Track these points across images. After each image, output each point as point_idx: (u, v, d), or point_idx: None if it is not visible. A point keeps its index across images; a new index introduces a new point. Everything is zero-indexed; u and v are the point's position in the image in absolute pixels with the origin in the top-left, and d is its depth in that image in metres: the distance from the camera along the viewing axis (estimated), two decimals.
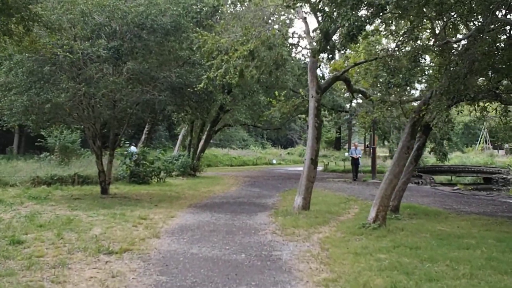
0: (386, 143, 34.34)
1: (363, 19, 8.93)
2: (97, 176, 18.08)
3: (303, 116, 33.50)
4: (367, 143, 54.32)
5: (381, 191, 11.57)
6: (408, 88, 15.38)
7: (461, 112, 15.29)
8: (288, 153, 61.60)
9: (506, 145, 63.56)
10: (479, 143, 61.15)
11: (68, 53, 14.43)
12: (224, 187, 23.03)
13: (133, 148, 32.30)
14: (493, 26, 9.75)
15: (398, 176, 11.76)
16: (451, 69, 10.15)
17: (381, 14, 9.34)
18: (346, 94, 38.66)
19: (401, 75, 12.33)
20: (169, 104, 17.14)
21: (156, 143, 48.84)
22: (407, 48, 12.52)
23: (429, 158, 39.73)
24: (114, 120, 17.45)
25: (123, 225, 11.50)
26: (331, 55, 11.79)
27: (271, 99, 25.21)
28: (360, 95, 23.60)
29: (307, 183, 14.15)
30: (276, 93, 24.36)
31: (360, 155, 28.29)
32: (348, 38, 9.22)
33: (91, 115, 16.29)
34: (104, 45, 14.93)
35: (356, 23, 8.82)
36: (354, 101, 40.05)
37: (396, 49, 12.42)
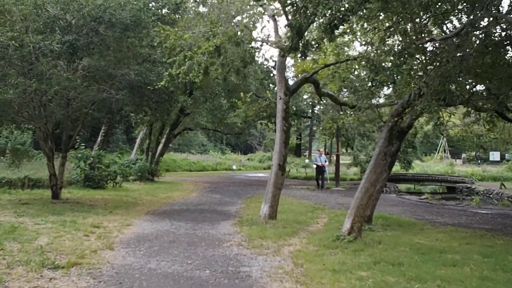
0: (349, 150, 33.82)
1: (346, 8, 8.13)
2: (49, 179, 16.91)
3: (264, 121, 32.84)
4: (326, 150, 53.89)
5: (356, 201, 10.77)
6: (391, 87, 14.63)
7: (453, 115, 14.56)
8: (248, 159, 60.74)
9: (464, 155, 64.07)
10: (438, 152, 61.31)
11: (18, 46, 13.33)
12: (184, 193, 22.03)
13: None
14: (486, 20, 9.09)
15: (374, 184, 10.97)
16: (442, 67, 9.40)
17: (365, 3, 8.50)
18: (308, 99, 38.15)
19: (388, 72, 11.66)
20: (127, 104, 16.05)
21: (113, 146, 47.45)
22: (391, 43, 11.89)
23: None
24: (67, 120, 16.32)
25: (73, 234, 10.44)
26: (303, 53, 10.94)
27: (236, 101, 24.39)
28: (325, 100, 22.86)
29: (274, 191, 13.30)
30: (242, 94, 23.54)
31: (326, 162, 27.03)
32: (329, 29, 8.38)
33: (43, 114, 15.13)
34: (58, 39, 13.85)
35: (338, 13, 8.01)
36: (318, 106, 39.63)
37: (381, 44, 11.63)
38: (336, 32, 9.56)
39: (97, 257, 8.58)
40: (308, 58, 16.10)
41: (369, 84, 14.07)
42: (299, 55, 11.24)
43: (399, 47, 11.17)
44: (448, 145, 61.45)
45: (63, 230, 10.75)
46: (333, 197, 21.63)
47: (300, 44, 10.33)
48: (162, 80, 13.50)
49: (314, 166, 27.00)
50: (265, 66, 35.51)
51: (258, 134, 70.37)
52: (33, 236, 9.91)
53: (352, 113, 25.27)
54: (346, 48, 16.93)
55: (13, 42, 13.36)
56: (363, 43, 15.66)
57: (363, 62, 13.66)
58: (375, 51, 13.45)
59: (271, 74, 40.68)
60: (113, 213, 14.25)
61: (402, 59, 10.65)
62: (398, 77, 11.86)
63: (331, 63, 15.53)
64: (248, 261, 8.75)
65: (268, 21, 15.02)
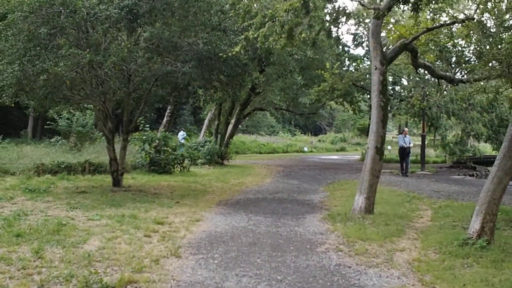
0: (435, 130, 30.90)
1: None
2: (109, 164, 15.19)
3: (339, 100, 30.47)
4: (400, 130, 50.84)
5: (487, 194, 8.25)
6: None
7: None
8: (319, 141, 58.43)
9: None
10: None
11: (70, 12, 11.52)
12: (257, 178, 19.99)
13: (181, 134, 29.71)
14: None
15: (509, 173, 8.47)
16: None
17: None
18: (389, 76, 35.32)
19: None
20: (194, 78, 13.91)
21: (180, 128, 46.10)
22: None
23: (484, 148, 36.01)
24: (128, 98, 14.47)
25: (131, 234, 8.49)
26: (415, 6, 8.57)
27: (322, 72, 22.15)
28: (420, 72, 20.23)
29: (371, 179, 10.97)
30: (327, 64, 21.28)
31: (411, 144, 23.85)
32: None
33: (100, 91, 13.30)
34: (116, 4, 11.98)
35: None
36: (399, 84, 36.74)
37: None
38: None
39: (159, 269, 6.56)
40: (402, 22, 13.70)
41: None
42: (410, 8, 8.89)
43: None
44: None
45: (119, 229, 8.83)
46: (424, 183, 19.09)
47: None
48: (235, 48, 11.36)
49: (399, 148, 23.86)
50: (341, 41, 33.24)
51: (327, 114, 67.69)
52: (82, 237, 8.00)
53: (446, 88, 22.74)
54: (447, 11, 14.32)
55: (65, 7, 11.57)
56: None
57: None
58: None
59: (346, 49, 38.40)
60: (180, 203, 12.37)
61: None
62: None
63: (435, 26, 12.96)
64: (357, 277, 6.54)
65: None
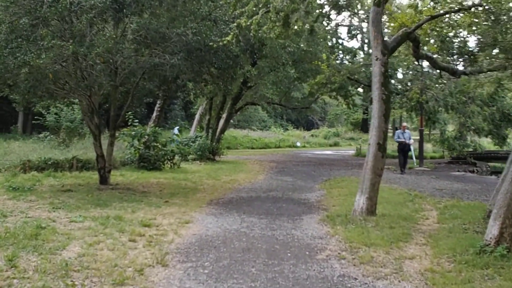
0: (432, 124, 30.29)
1: None
2: (96, 161, 14.53)
3: (333, 94, 29.90)
4: (396, 125, 50.27)
5: (505, 196, 7.54)
6: None
7: None
8: (312, 135, 57.79)
9: None
10: None
11: (53, 2, 10.85)
12: (250, 175, 19.36)
13: (175, 131, 29.09)
14: None
15: None
16: None
17: None
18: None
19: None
20: (184, 71, 13.28)
21: (171, 124, 45.37)
22: None
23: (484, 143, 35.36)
24: (115, 92, 13.80)
25: (115, 238, 7.83)
26: None
27: (318, 63, 21.54)
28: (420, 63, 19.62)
29: (373, 178, 10.33)
30: (324, 55, 20.67)
31: (411, 140, 22.57)
32: None
33: (84, 84, 12.62)
34: None
35: None
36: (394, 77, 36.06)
37: None
38: None
39: (143, 281, 5.93)
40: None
41: None
42: None
43: None
44: None
45: (103, 232, 8.17)
46: (424, 179, 18.52)
47: None
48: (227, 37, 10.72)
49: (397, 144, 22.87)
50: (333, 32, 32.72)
51: (319, 109, 67.05)
52: (61, 243, 7.33)
53: (445, 81, 22.14)
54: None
55: None
56: None
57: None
58: None
59: (340, 41, 37.81)
60: (169, 203, 11.75)
61: None
62: None
63: (440, 14, 12.32)
64: None
65: None
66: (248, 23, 9.80)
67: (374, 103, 10.85)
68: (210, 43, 12.28)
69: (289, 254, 7.46)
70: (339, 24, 14.16)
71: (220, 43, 11.18)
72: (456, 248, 7.64)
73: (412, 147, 22.70)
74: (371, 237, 8.34)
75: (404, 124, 23.26)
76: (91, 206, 10.56)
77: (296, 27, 10.68)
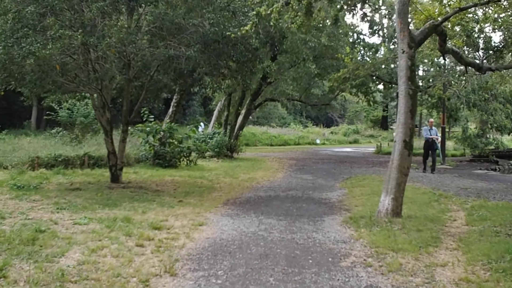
0: (454, 122, 29.30)
1: None
2: (107, 158, 13.95)
3: (353, 91, 29.17)
4: (416, 123, 49.32)
5: None
6: None
7: None
8: (332, 132, 57.15)
9: None
10: None
11: None
12: (268, 172, 18.68)
13: (201, 126, 28.69)
14: None
15: None
16: None
17: None
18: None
19: None
20: (200, 64, 12.58)
21: (190, 120, 44.83)
22: None
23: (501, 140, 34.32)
24: (128, 86, 13.19)
25: (120, 243, 7.16)
26: None
27: (341, 56, 20.84)
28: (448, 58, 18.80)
29: (399, 177, 9.58)
30: (348, 49, 19.96)
31: (439, 138, 21.34)
32: None
33: (94, 77, 12.00)
34: None
35: None
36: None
37: None
38: None
39: None
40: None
41: None
42: None
43: None
44: None
45: (108, 236, 7.51)
46: (447, 178, 17.69)
47: None
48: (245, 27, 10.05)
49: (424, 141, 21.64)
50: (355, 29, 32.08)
51: (339, 106, 66.24)
52: (60, 248, 6.69)
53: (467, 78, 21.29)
54: None
55: None
56: None
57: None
58: None
59: (362, 37, 37.14)
60: (183, 202, 11.13)
61: None
62: None
63: (469, 6, 11.53)
64: None
65: None
66: (268, 12, 9.10)
67: (400, 98, 10.10)
68: (228, 33, 11.60)
69: (310, 261, 6.75)
70: (365, 14, 13.34)
71: (239, 33, 10.49)
72: (491, 254, 6.87)
73: (439, 145, 21.52)
74: (398, 241, 7.58)
75: (431, 120, 22.11)
76: (98, 207, 9.96)
77: (319, 17, 9.93)
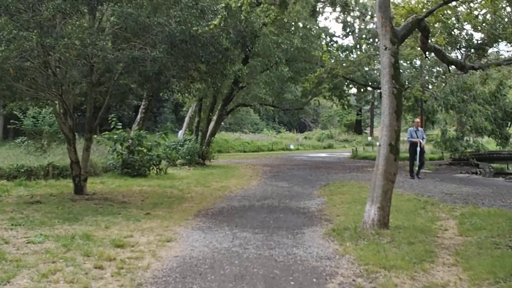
0: (431, 125, 28.90)
1: None
2: (70, 168, 13.07)
3: (327, 94, 28.69)
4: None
5: None
6: None
7: None
8: (305, 138, 56.75)
9: None
10: None
11: None
12: (242, 180, 17.92)
13: (180, 133, 27.87)
14: None
15: None
16: None
17: None
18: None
19: None
20: (167, 66, 11.78)
21: (161, 127, 43.94)
22: None
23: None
24: (91, 91, 12.34)
25: (77, 265, 6.30)
26: None
27: (320, 54, 20.28)
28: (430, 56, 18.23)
29: (385, 184, 8.88)
30: (325, 46, 19.40)
31: (424, 139, 20.14)
32: None
33: (52, 81, 11.12)
34: None
35: None
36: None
37: None
38: None
39: None
40: None
41: None
42: None
43: None
44: None
45: (63, 257, 6.66)
46: (429, 183, 17.09)
47: None
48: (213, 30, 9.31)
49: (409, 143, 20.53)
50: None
51: (312, 110, 65.85)
52: (6, 273, 5.82)
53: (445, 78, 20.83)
54: None
55: None
56: None
57: None
58: None
59: (335, 39, 36.81)
60: (151, 215, 10.32)
61: None
62: None
63: None
64: None
65: None
66: (239, 4, 8.37)
67: (383, 98, 9.40)
68: (195, 28, 10.80)
69: (292, 283, 5.97)
70: (347, 8, 12.65)
71: (206, 28, 9.71)
72: (495, 270, 6.14)
73: (424, 148, 20.35)
74: (390, 257, 6.84)
75: (417, 120, 20.85)
76: (58, 222, 9.11)
77: (294, 11, 9.23)
